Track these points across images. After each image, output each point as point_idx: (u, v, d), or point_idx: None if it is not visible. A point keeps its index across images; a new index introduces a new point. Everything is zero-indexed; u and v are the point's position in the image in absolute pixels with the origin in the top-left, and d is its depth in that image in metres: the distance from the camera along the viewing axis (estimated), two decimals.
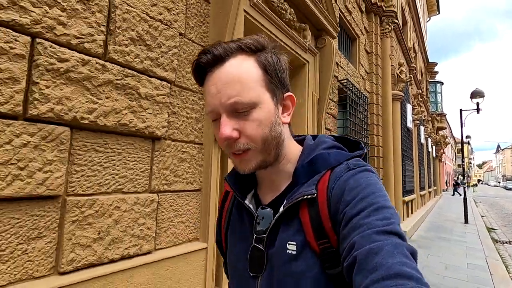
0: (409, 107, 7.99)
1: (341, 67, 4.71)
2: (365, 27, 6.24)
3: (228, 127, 0.51)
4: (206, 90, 0.54)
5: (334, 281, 0.50)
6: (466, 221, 9.19)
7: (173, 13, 1.86)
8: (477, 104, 9.17)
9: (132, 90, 1.55)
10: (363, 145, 0.62)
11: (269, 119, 0.53)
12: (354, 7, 5.59)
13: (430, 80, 19.71)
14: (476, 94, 9.18)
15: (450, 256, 5.11)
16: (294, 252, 0.52)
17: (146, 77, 1.64)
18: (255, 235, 0.58)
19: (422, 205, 11.49)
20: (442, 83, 21.09)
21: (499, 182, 73.79)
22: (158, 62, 1.72)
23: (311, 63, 3.73)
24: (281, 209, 0.55)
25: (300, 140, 0.65)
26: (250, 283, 0.58)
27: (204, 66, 0.53)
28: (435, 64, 20.05)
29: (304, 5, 3.32)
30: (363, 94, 5.65)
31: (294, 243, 0.52)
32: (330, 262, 0.49)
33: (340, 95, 4.63)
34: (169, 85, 1.78)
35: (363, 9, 6.18)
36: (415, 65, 10.95)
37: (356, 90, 5.17)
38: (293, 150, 0.61)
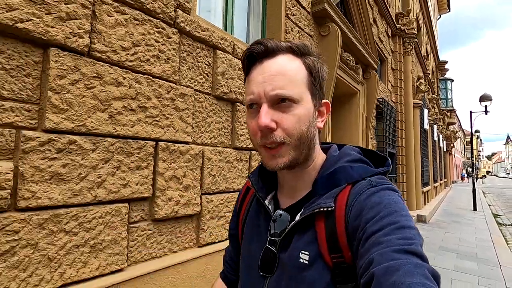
0: (426, 111, 9.33)
1: (378, 89, 6.09)
2: (391, 49, 7.56)
3: (267, 116, 0.51)
4: (251, 78, 0.56)
5: None
6: (475, 209, 10.53)
7: None
8: (485, 107, 10.45)
9: None
10: (389, 162, 0.61)
11: (308, 117, 0.54)
12: (384, 36, 6.92)
13: (440, 78, 20.75)
14: (484, 98, 10.44)
15: (462, 233, 6.51)
16: (307, 262, 0.52)
17: None
18: (269, 237, 0.59)
19: (435, 195, 12.87)
20: (452, 80, 22.11)
21: (508, 174, 74.00)
22: None
23: (361, 91, 5.13)
24: (298, 217, 0.55)
25: (325, 148, 0.65)
26: (258, 281, 0.59)
27: (255, 56, 0.55)
28: (445, 62, 21.04)
29: (358, 51, 4.70)
30: (392, 106, 7.02)
31: (307, 253, 0.52)
32: (341, 277, 0.49)
33: (377, 110, 6.02)
34: None
35: (390, 34, 7.49)
36: (429, 72, 12.16)
37: (387, 104, 6.54)
38: (319, 157, 0.61)
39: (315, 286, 0.50)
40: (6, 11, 1.13)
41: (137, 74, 1.60)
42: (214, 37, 2.10)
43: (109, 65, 1.47)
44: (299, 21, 3.29)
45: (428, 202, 10.22)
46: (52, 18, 1.26)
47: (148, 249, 1.66)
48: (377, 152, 0.63)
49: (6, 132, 1.15)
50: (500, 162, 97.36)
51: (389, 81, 7.29)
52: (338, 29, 3.63)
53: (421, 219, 7.45)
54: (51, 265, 1.25)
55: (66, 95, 1.30)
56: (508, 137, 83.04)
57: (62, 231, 1.29)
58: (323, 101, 0.60)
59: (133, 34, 1.59)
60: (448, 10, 25.06)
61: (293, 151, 0.54)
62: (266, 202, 0.63)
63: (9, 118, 1.16)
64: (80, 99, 1.35)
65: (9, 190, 1.13)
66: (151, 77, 1.67)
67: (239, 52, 2.34)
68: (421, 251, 0.42)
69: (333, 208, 0.51)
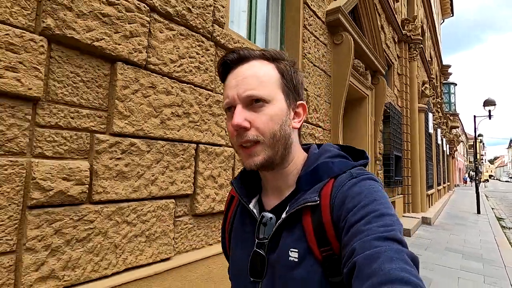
0: (430, 115, 9.49)
1: (386, 94, 6.26)
2: (397, 54, 7.74)
3: (241, 116, 0.54)
4: (226, 84, 0.58)
5: None
6: (478, 212, 10.64)
7: (319, 87, 3.47)
8: (489, 111, 10.60)
9: None
10: (367, 155, 0.63)
11: (280, 117, 0.56)
12: (391, 42, 7.10)
13: (444, 82, 20.89)
14: (488, 103, 10.59)
15: (467, 235, 6.65)
16: (296, 259, 0.52)
17: None
18: (256, 240, 0.59)
19: (439, 198, 12.99)
20: (455, 84, 22.26)
21: (511, 178, 73.71)
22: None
23: (370, 96, 5.30)
24: (284, 215, 0.56)
25: (306, 148, 0.66)
26: (250, 287, 0.58)
27: (229, 64, 0.58)
28: (448, 66, 21.17)
29: (368, 58, 4.88)
30: (398, 110, 7.19)
31: (296, 250, 0.53)
32: (332, 270, 0.50)
33: (384, 114, 6.19)
34: None
35: (396, 40, 7.67)
36: (433, 76, 12.32)
37: (394, 108, 6.71)
38: (299, 156, 0.62)
39: (308, 282, 0.50)
40: (86, 32, 1.32)
41: (182, 84, 1.79)
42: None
43: (161, 76, 1.66)
44: (315, 31, 3.48)
45: (432, 204, 10.35)
46: (119, 37, 1.45)
47: (189, 241, 1.84)
48: (354, 147, 0.66)
49: (83, 135, 1.34)
50: (503, 166, 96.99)
51: (395, 86, 7.45)
52: (351, 38, 3.82)
53: (426, 221, 7.58)
54: (116, 251, 1.43)
55: (129, 103, 1.49)
56: (511, 141, 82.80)
57: (125, 222, 1.47)
58: (299, 102, 0.61)
59: (179, 48, 1.78)
60: (451, 15, 25.23)
61: (268, 150, 0.55)
62: (251, 206, 0.63)
63: (85, 124, 1.35)
64: (139, 106, 1.53)
65: (87, 185, 1.32)
66: (193, 86, 1.86)
67: None
68: (400, 236, 0.43)
69: (318, 202, 0.53)
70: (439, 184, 13.39)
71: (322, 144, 0.67)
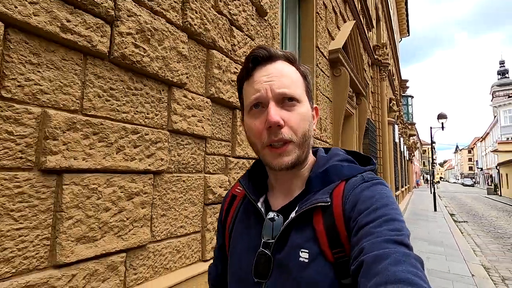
0: (396, 127, 11.05)
1: (368, 111, 7.45)
2: (370, 76, 9.07)
3: (277, 113, 0.53)
4: (254, 79, 0.58)
5: None
6: (435, 210, 12.41)
7: (325, 111, 4.42)
8: (442, 124, 12.54)
9: None
10: (374, 161, 0.64)
11: (309, 117, 0.58)
12: (368, 66, 8.39)
13: (403, 95, 23.43)
14: (441, 116, 12.55)
15: (428, 228, 8.04)
16: (307, 260, 0.52)
17: None
18: (262, 240, 0.58)
19: (403, 198, 14.75)
20: (412, 97, 25.04)
21: (458, 179, 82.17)
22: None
23: (355, 114, 6.41)
24: (293, 214, 0.55)
25: (313, 151, 0.66)
26: None
27: (259, 60, 0.58)
28: (407, 80, 23.79)
29: (356, 85, 5.97)
30: (373, 124, 8.47)
31: (307, 250, 0.52)
32: (345, 272, 0.50)
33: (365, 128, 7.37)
34: None
35: (370, 64, 9.00)
36: (397, 92, 14.12)
37: (370, 122, 7.95)
38: (310, 158, 0.64)
39: (317, 284, 0.50)
40: (226, 92, 2.09)
41: None
42: None
43: None
44: (323, 67, 4.44)
45: (399, 204, 11.91)
46: (231, 90, 2.23)
47: None
48: (360, 153, 0.66)
49: (223, 158, 2.09)
50: (451, 169, 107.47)
51: (370, 103, 8.75)
52: (347, 71, 4.84)
53: None
54: None
55: (240, 135, 2.26)
56: (457, 146, 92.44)
57: None
58: (314, 105, 0.63)
59: None
60: (407, 34, 28.28)
61: (298, 150, 0.56)
62: (259, 204, 0.62)
63: (224, 151, 2.10)
64: (244, 137, 2.31)
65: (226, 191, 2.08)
66: None
67: None
68: (409, 242, 0.45)
69: (330, 202, 0.53)
70: (402, 186, 15.21)
71: (329, 148, 0.68)
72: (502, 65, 62.75)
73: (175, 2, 1.69)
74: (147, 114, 1.52)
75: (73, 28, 1.17)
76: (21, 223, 1.02)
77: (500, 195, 25.86)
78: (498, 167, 27.11)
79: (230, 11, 2.18)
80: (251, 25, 2.47)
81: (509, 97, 37.58)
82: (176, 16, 1.69)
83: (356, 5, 6.65)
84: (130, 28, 1.40)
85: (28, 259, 1.04)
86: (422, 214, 11.19)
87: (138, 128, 1.45)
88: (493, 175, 34.88)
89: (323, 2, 4.53)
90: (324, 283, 0.50)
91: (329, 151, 0.66)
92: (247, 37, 2.39)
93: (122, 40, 1.36)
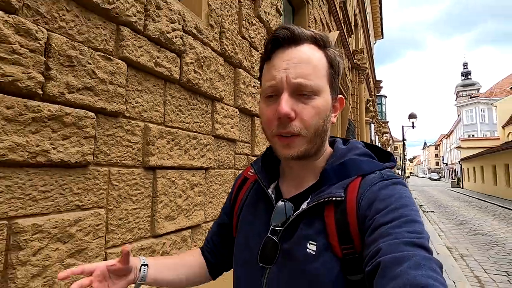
0: (372, 126, 11.98)
1: (349, 113, 8.16)
2: (350, 79, 9.83)
3: (288, 105, 0.51)
4: (273, 64, 0.55)
5: (354, 287, 0.49)
6: None
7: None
8: (413, 123, 13.72)
9: None
10: (394, 157, 0.61)
11: (326, 111, 0.54)
12: (348, 70, 9.11)
13: (377, 95, 24.85)
14: (412, 116, 13.71)
15: None
16: (314, 252, 0.51)
17: None
18: (271, 227, 0.57)
19: None
20: (385, 97, 26.60)
21: (426, 174, 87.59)
22: None
23: (338, 115, 7.06)
24: (304, 205, 0.55)
25: (330, 141, 0.64)
26: (256, 273, 0.57)
27: (280, 41, 0.54)
28: (381, 81, 25.23)
29: (340, 90, 6.60)
30: (353, 123, 9.23)
31: (315, 243, 0.52)
32: (352, 268, 0.49)
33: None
34: None
35: (350, 67, 9.75)
36: (373, 93, 15.13)
37: (351, 122, 8.69)
38: (327, 149, 0.62)
39: (323, 277, 0.49)
40: (249, 103, 2.55)
41: None
42: None
43: None
44: None
45: None
46: (252, 101, 2.70)
47: None
48: (381, 147, 0.64)
49: (245, 157, 2.56)
50: (419, 164, 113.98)
51: (349, 104, 9.50)
52: None
53: None
54: None
55: (258, 138, 2.73)
56: (425, 143, 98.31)
57: None
58: (339, 96, 0.60)
59: None
60: (382, 37, 29.84)
61: (307, 144, 0.54)
62: (270, 191, 0.61)
63: (246, 151, 2.57)
64: (260, 139, 2.79)
65: None
66: None
67: None
68: (428, 245, 0.43)
69: (343, 198, 0.52)
70: None
71: (347, 139, 0.66)
72: (465, 67, 67.44)
73: (215, 33, 2.13)
74: (200, 123, 1.95)
75: (161, 62, 1.59)
76: (136, 204, 1.45)
77: (462, 188, 28.26)
78: (460, 162, 29.54)
79: (250, 35, 2.64)
80: (263, 44, 2.94)
81: (471, 97, 40.79)
82: (216, 44, 2.13)
83: (339, 14, 7.29)
84: (191, 58, 1.83)
85: (140, 230, 1.47)
86: None
87: (196, 134, 1.89)
88: (456, 170, 37.80)
89: (314, 16, 5.07)
90: (329, 276, 0.49)
91: (347, 142, 0.64)
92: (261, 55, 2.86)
93: (188, 68, 1.80)
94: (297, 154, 0.54)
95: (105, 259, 1.28)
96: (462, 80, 65.57)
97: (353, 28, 10.24)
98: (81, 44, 1.20)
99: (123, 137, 1.39)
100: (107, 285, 0.58)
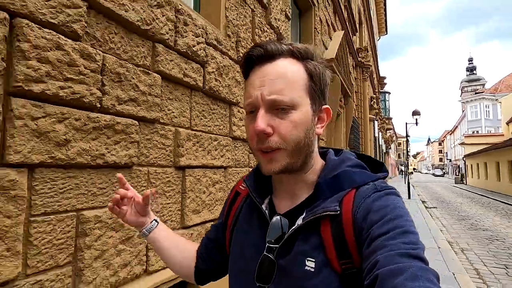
0: (376, 123, 12.11)
1: (353, 111, 8.31)
2: (354, 77, 9.95)
3: (263, 121, 0.51)
4: (249, 82, 0.56)
5: None
6: (409, 197, 13.73)
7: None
8: (416, 120, 13.82)
9: None
10: (386, 168, 0.61)
11: (305, 124, 0.54)
12: (352, 68, 9.23)
13: (381, 91, 24.87)
14: (415, 113, 13.82)
15: None
16: (313, 269, 0.50)
17: None
18: (267, 244, 0.57)
19: None
20: (389, 93, 26.59)
21: (429, 170, 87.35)
22: None
23: (343, 113, 7.23)
24: (300, 221, 0.54)
25: (322, 153, 0.64)
26: None
27: (255, 60, 0.55)
28: (384, 77, 25.21)
29: (344, 88, 6.76)
30: (357, 121, 9.38)
31: (313, 260, 0.51)
32: (351, 283, 0.49)
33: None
34: None
35: (354, 65, 9.86)
36: (377, 90, 15.22)
37: (355, 119, 8.85)
38: (318, 162, 0.61)
39: None
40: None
41: None
42: None
43: None
44: None
45: None
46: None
47: None
48: (372, 157, 0.65)
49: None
50: (423, 160, 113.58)
51: (354, 101, 9.64)
52: (339, 78, 5.60)
53: None
54: None
55: None
56: (429, 139, 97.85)
57: None
58: (324, 106, 0.59)
59: None
60: (386, 33, 29.70)
61: (289, 157, 0.53)
62: (263, 207, 0.61)
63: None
64: None
65: None
66: None
67: None
68: (424, 256, 0.43)
69: (339, 212, 0.51)
70: None
71: (339, 149, 0.66)
72: (470, 62, 66.89)
73: (232, 43, 2.31)
74: (220, 126, 2.15)
75: (188, 73, 1.79)
76: (169, 199, 1.65)
77: (466, 184, 28.31)
78: (464, 159, 29.53)
79: (261, 40, 2.82)
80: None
81: (476, 93, 40.54)
82: (234, 53, 2.31)
83: (344, 14, 7.41)
84: (213, 68, 2.02)
85: (173, 222, 1.68)
86: None
87: (216, 136, 2.08)
88: (460, 166, 37.72)
89: (320, 17, 5.22)
90: None
91: (339, 153, 0.64)
92: None
93: (210, 77, 1.99)
94: (279, 169, 0.53)
95: (146, 246, 1.49)
96: (467, 75, 65.04)
97: (357, 26, 10.34)
98: (126, 62, 1.39)
99: (159, 141, 1.59)
100: (128, 212, 0.72)
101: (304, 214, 0.55)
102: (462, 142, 32.11)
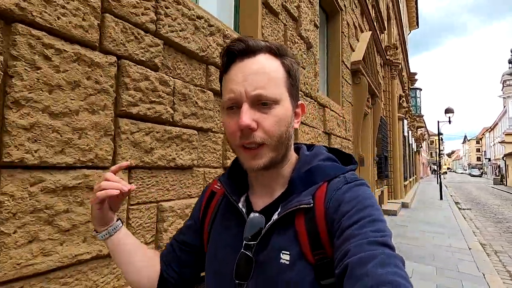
0: (405, 122, 11.86)
1: (381, 111, 8.29)
2: (382, 75, 9.84)
3: (248, 116, 0.51)
4: (230, 77, 0.55)
5: None
6: (441, 198, 13.26)
7: (349, 114, 5.30)
8: (449, 118, 13.27)
9: None
10: (354, 159, 0.64)
11: (287, 118, 0.55)
12: (380, 66, 9.16)
13: (411, 87, 23.94)
14: (448, 111, 13.27)
15: (434, 213, 8.96)
16: (288, 262, 0.52)
17: None
18: (244, 241, 0.57)
19: (411, 188, 15.64)
20: (420, 89, 25.52)
21: (465, 170, 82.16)
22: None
23: (370, 113, 7.26)
24: (275, 216, 0.55)
25: (295, 148, 0.65)
26: None
27: (235, 54, 0.54)
28: (415, 73, 24.22)
29: (372, 89, 6.80)
30: (385, 120, 9.30)
31: (288, 252, 0.52)
32: (324, 273, 0.50)
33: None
34: None
35: (382, 64, 9.76)
36: (406, 88, 14.80)
37: (383, 119, 8.79)
38: (293, 157, 0.62)
39: (298, 285, 0.50)
40: None
41: (309, 127, 3.49)
42: (325, 103, 4.03)
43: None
44: (346, 77, 5.30)
45: (407, 193, 12.81)
46: None
47: None
48: (341, 150, 0.67)
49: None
50: (459, 159, 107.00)
51: (382, 101, 9.55)
52: (366, 79, 5.69)
53: (405, 205, 9.84)
54: None
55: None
56: (465, 136, 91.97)
57: None
58: (299, 102, 0.61)
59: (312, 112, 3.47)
60: (417, 27, 28.42)
61: (272, 152, 0.54)
62: (240, 205, 0.61)
63: None
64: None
65: None
66: (317, 129, 3.57)
67: (333, 108, 4.29)
68: (391, 243, 0.45)
69: (312, 204, 0.53)
70: (410, 176, 16.07)
71: (311, 144, 0.67)
72: None
73: None
74: None
75: None
76: None
77: (506, 185, 26.49)
78: (504, 158, 27.62)
79: (293, 52, 3.08)
80: (303, 58, 3.37)
81: None
82: None
83: (371, 13, 7.41)
84: None
85: None
86: (429, 202, 12.09)
87: None
88: (500, 166, 35.26)
89: (347, 21, 5.35)
90: (304, 284, 0.50)
91: (311, 148, 0.66)
92: (302, 68, 3.29)
93: None
94: (264, 164, 0.54)
95: None
96: (509, 67, 60.27)
97: (385, 23, 10.19)
98: (188, 83, 1.73)
99: (211, 147, 1.92)
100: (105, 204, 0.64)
101: (280, 209, 0.56)
102: (502, 140, 30.02)
